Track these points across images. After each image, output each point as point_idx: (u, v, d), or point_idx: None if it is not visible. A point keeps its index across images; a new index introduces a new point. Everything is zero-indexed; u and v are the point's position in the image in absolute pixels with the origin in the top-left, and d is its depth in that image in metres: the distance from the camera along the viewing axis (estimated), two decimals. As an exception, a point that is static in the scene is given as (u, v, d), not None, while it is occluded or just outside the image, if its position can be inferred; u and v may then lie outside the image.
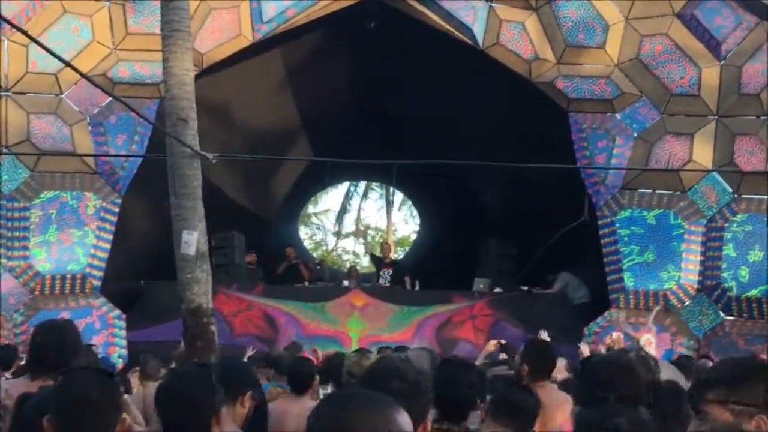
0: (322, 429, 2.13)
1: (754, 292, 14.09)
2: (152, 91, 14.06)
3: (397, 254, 34.66)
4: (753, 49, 14.14)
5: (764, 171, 13.92)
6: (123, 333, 14.39)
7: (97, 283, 14.42)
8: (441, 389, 4.30)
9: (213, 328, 9.73)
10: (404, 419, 2.17)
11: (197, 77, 13.28)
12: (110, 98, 13.49)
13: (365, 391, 2.41)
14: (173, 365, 8.76)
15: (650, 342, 12.52)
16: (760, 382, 2.81)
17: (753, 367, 2.99)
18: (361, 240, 46.81)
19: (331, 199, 43.97)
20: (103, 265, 14.43)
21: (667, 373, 5.20)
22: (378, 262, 20.12)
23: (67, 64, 8.40)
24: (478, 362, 9.16)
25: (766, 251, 14.02)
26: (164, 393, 3.45)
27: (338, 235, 45.90)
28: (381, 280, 18.17)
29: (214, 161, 10.34)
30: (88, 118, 14.40)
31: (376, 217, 45.68)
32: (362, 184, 41.21)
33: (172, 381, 3.66)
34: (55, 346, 4.92)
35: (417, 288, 17.64)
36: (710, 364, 7.61)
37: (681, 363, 8.43)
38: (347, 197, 43.26)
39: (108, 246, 14.44)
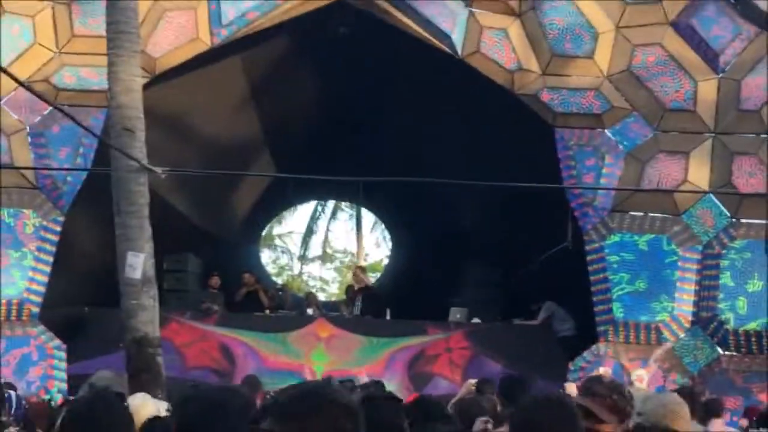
0: None
1: (753, 325, 14.05)
2: (100, 99, 13.75)
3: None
4: (753, 62, 14.16)
5: (765, 193, 13.91)
6: (63, 365, 14.16)
7: (35, 309, 14.19)
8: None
9: (160, 359, 9.54)
10: None
11: (149, 84, 13.23)
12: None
13: None
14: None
15: (642, 379, 12.49)
16: None
17: None
18: (328, 265, 46.62)
19: (296, 219, 43.76)
20: (43, 289, 14.21)
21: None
22: (347, 290, 20.11)
23: (3, 70, 8.21)
24: (454, 402, 9.02)
25: (766, 281, 13.98)
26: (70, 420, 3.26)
27: (304, 259, 45.69)
28: (352, 309, 18.08)
29: (163, 176, 10.19)
30: (27, 127, 14.21)
31: (345, 239, 45.53)
32: (331, 204, 41.06)
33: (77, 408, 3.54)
34: None
35: (388, 317, 17.49)
36: None
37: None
38: (314, 218, 43.08)
39: (48, 269, 14.24)
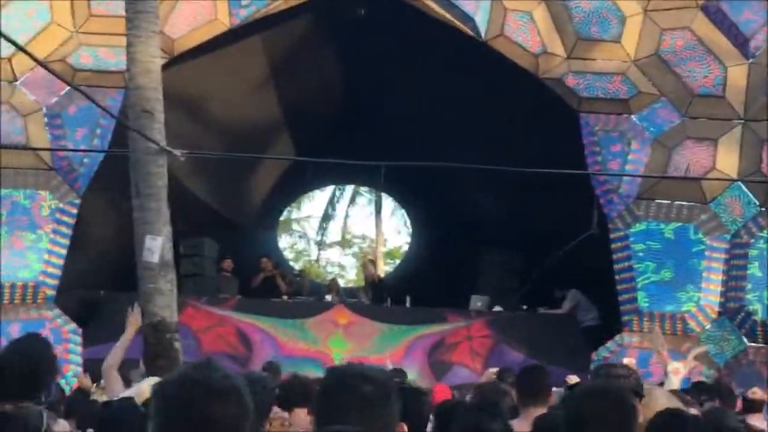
0: None
1: (781, 317, 14.01)
2: (118, 79, 13.85)
3: (386, 269, 34.55)
4: (785, 47, 14.11)
5: (795, 182, 13.89)
6: (78, 349, 14.24)
7: (51, 292, 14.27)
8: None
9: (177, 345, 9.59)
10: None
11: (167, 66, 13.24)
12: (69, 87, 13.30)
13: None
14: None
15: (678, 371, 12.41)
16: None
17: None
18: (347, 251, 46.64)
19: (315, 204, 43.76)
20: (59, 272, 14.28)
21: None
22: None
23: (18, 47, 8.24)
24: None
25: (796, 271, 13.97)
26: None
27: (322, 244, 45.71)
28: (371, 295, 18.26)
29: (182, 159, 10.21)
30: (44, 108, 14.26)
31: (364, 225, 45.53)
32: (349, 189, 41.05)
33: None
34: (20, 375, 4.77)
35: (408, 305, 17.51)
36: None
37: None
38: (332, 203, 43.04)
39: (64, 251, 14.29)
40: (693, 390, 9.87)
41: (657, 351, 11.37)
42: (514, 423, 5.74)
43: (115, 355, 7.93)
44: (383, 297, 18.03)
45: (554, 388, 7.06)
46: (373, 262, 21.44)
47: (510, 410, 6.39)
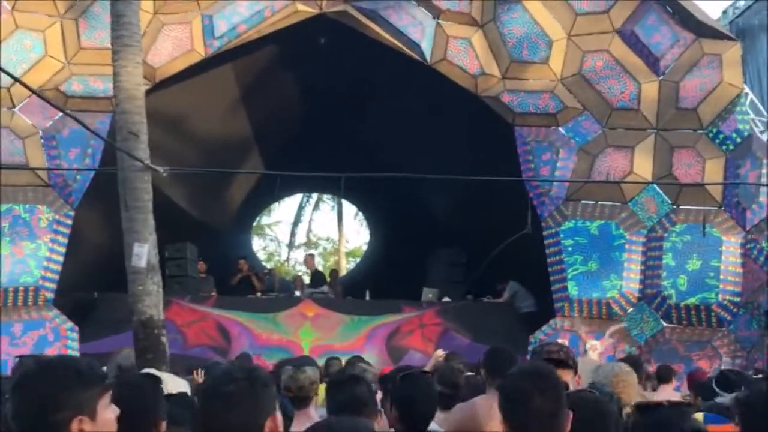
0: None
1: (692, 300, 14.20)
2: (105, 104, 13.83)
3: (347, 267, 34.46)
4: (690, 65, 14.30)
5: (701, 183, 14.08)
6: (76, 345, 14.14)
7: (50, 295, 14.17)
8: (404, 403, 4.31)
9: (164, 339, 9.60)
10: None
11: (151, 90, 13.27)
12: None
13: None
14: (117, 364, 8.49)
15: (595, 348, 12.63)
16: None
17: None
18: (313, 251, 46.63)
19: (284, 210, 43.79)
20: (56, 277, 14.20)
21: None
22: (330, 273, 20.49)
23: (17, 80, 8.28)
24: (427, 369, 9.14)
25: (704, 260, 14.16)
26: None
27: (291, 246, 45.73)
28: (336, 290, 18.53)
29: (164, 174, 10.22)
30: (40, 131, 14.20)
31: (328, 227, 45.56)
32: (315, 196, 41.07)
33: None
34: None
35: (368, 298, 17.63)
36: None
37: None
38: (300, 209, 43.09)
39: (61, 258, 14.22)
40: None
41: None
42: (483, 397, 5.79)
43: None
44: (321, 283, 18.51)
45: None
46: (312, 256, 22.14)
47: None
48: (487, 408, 5.48)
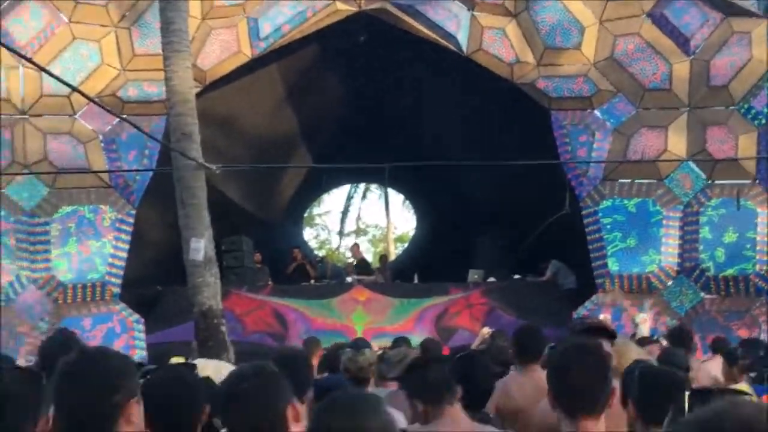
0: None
1: (730, 271, 14.03)
2: (160, 107, 13.87)
3: (396, 252, 34.44)
4: (719, 44, 14.07)
5: (734, 158, 13.87)
6: (142, 336, 14.31)
7: (116, 290, 14.33)
8: (465, 381, 4.30)
9: (223, 328, 9.68)
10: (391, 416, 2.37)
11: (201, 92, 13.33)
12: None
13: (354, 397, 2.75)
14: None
15: (645, 320, 12.50)
16: None
17: None
18: (362, 238, 46.78)
19: (333, 200, 43.97)
20: (121, 273, 14.35)
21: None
22: (380, 258, 20.52)
23: (75, 89, 8.36)
24: (473, 346, 9.11)
25: (739, 233, 13.96)
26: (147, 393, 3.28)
27: (341, 234, 45.88)
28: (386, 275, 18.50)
29: (217, 172, 10.27)
30: (100, 136, 14.32)
31: (377, 215, 45.67)
32: (362, 186, 41.14)
33: (154, 381, 3.62)
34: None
35: (416, 281, 17.62)
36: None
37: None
38: (348, 199, 43.23)
39: (125, 255, 14.36)
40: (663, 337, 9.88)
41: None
42: (512, 374, 5.81)
43: None
44: (367, 271, 18.57)
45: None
46: (357, 246, 22.15)
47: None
48: (518, 384, 5.49)
